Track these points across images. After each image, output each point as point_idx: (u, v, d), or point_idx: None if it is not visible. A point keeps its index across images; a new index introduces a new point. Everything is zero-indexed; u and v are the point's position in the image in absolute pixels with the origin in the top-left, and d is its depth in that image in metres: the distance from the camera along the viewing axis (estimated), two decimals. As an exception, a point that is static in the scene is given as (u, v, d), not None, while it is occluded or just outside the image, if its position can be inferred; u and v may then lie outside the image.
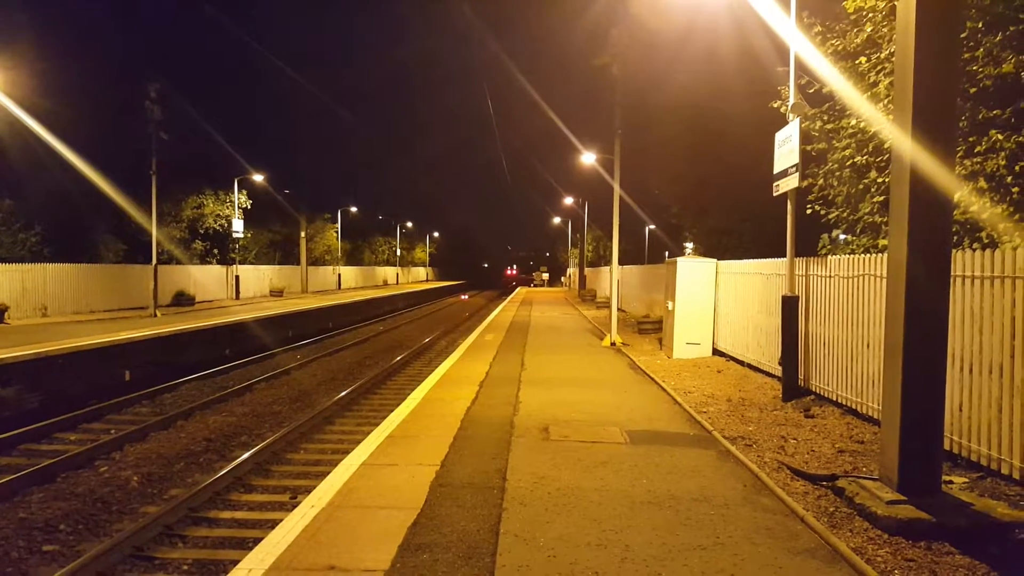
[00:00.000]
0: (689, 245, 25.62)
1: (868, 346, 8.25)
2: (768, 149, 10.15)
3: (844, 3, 9.36)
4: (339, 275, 56.55)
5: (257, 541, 5.00)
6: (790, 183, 9.48)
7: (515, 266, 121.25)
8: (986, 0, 7.56)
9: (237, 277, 36.30)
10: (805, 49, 9.69)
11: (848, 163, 9.73)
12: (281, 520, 5.32)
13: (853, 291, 8.66)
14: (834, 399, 9.15)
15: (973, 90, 7.74)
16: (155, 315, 23.00)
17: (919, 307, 5.44)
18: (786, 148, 9.57)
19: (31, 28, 24.34)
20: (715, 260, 14.80)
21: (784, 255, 10.10)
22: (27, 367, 12.69)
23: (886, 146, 8.75)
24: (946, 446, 6.36)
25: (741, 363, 13.01)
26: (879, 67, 9.02)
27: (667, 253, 32.13)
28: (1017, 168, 7.23)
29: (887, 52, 8.79)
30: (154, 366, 15.88)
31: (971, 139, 7.78)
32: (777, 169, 9.89)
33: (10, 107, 20.86)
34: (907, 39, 5.44)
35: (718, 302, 14.42)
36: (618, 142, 17.28)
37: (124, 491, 8.32)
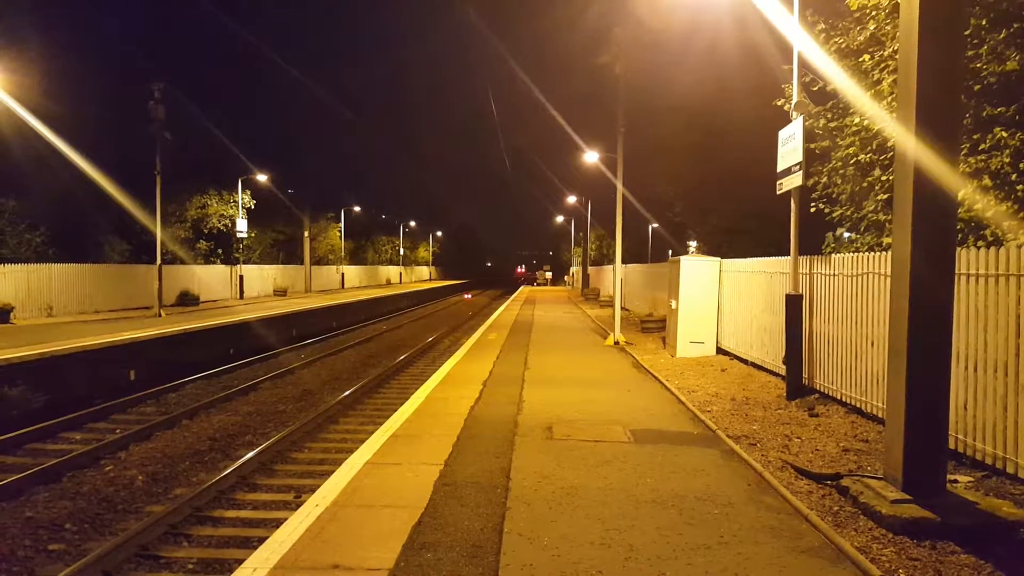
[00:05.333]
0: (692, 243, 25.59)
1: (873, 344, 8.24)
2: (772, 147, 10.14)
3: (847, 0, 9.33)
4: (342, 274, 56.63)
5: (262, 540, 5.01)
6: (794, 181, 9.46)
7: (523, 266, 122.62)
8: (990, -3, 7.55)
9: (241, 277, 36.36)
10: (808, 47, 9.67)
11: (852, 161, 9.72)
12: (286, 519, 5.34)
13: (857, 289, 8.65)
14: (839, 398, 9.14)
15: (977, 87, 7.73)
16: (160, 315, 23.05)
17: (923, 305, 5.43)
18: (789, 146, 9.55)
19: (35, 30, 24.42)
20: (719, 259, 14.78)
21: (788, 253, 10.08)
22: (33, 367, 12.73)
23: (890, 144, 8.73)
24: (951, 445, 6.36)
25: (745, 362, 13.00)
26: (882, 65, 9.01)
27: (670, 252, 32.08)
28: (1021, 166, 7.21)
29: (890, 50, 8.77)
30: (159, 366, 15.91)
31: (975, 137, 7.77)
32: (780, 167, 9.87)
33: (15, 108, 20.92)
34: (910, 36, 5.42)
35: (722, 301, 14.41)
36: (621, 141, 17.26)
37: (129, 490, 8.34)
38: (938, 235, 5.46)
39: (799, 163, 9.24)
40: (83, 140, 24.14)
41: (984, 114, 7.70)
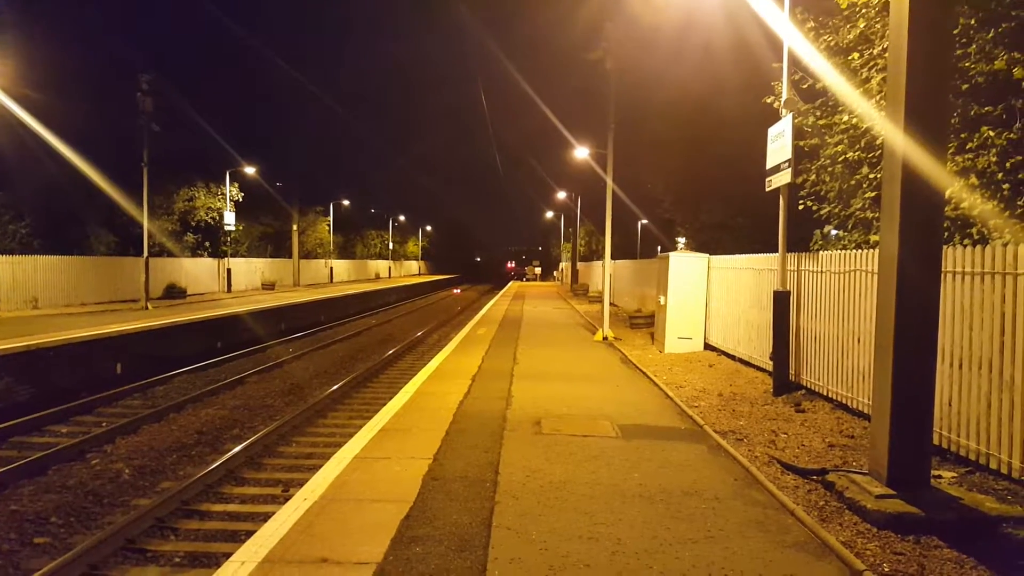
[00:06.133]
0: (681, 240, 25.65)
1: (859, 341, 8.30)
2: (761, 144, 10.17)
3: (837, -2, 9.37)
4: (331, 268, 56.41)
5: (250, 534, 5.00)
6: (782, 178, 9.50)
7: (513, 261, 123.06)
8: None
9: (229, 270, 36.14)
10: (798, 45, 9.71)
11: (840, 159, 9.77)
12: (274, 513, 5.33)
13: (844, 286, 8.71)
14: (825, 394, 9.21)
15: (965, 87, 7.78)
16: (146, 308, 22.88)
17: (910, 303, 5.47)
18: (779, 144, 9.59)
19: (21, 18, 24.08)
20: (707, 255, 14.84)
21: (776, 250, 10.13)
22: (18, 359, 12.61)
23: (878, 142, 8.79)
24: (936, 441, 6.42)
25: (733, 358, 13.06)
26: (872, 63, 9.05)
27: (659, 248, 32.17)
28: (1008, 165, 7.27)
29: (880, 48, 8.82)
30: (146, 359, 15.81)
31: (963, 136, 7.82)
32: (770, 164, 9.91)
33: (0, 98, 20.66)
34: (900, 35, 5.45)
35: (710, 297, 14.47)
36: (611, 137, 17.28)
37: (115, 484, 8.30)
38: (925, 233, 5.50)
39: (788, 160, 9.28)
40: (70, 131, 23.87)
41: (972, 113, 7.75)
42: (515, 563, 4.36)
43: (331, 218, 58.43)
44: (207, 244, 35.68)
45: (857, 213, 9.73)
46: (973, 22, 7.66)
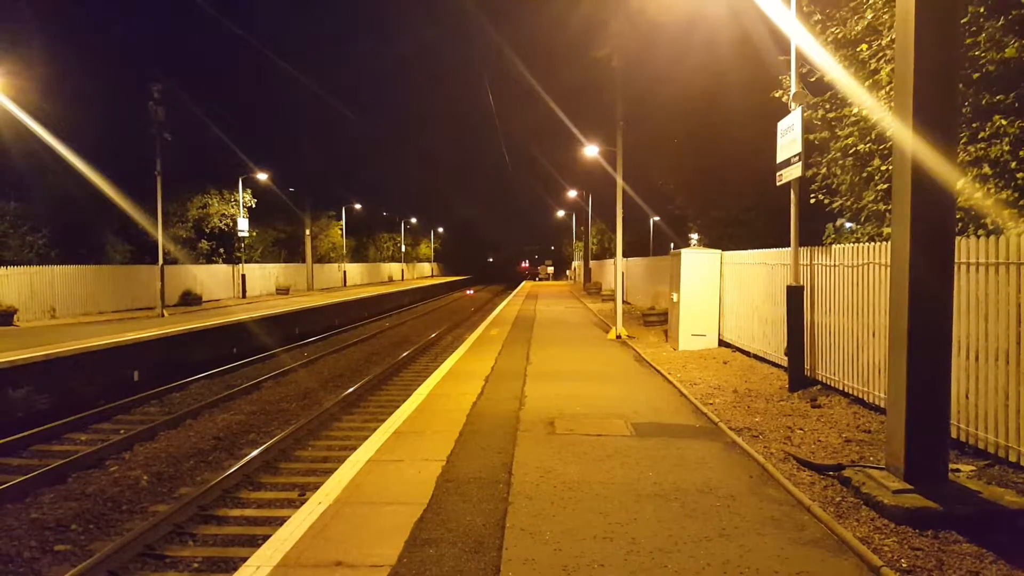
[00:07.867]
0: (694, 236, 25.55)
1: (874, 335, 8.23)
2: (771, 139, 10.12)
3: (844, -10, 9.29)
4: (344, 272, 56.68)
5: (266, 538, 5.03)
6: (793, 172, 9.44)
7: (527, 261, 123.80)
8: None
9: (243, 276, 36.42)
10: (805, 38, 9.63)
11: (851, 151, 9.69)
12: (289, 517, 5.36)
13: (858, 280, 8.64)
14: (841, 388, 9.14)
15: (976, 76, 7.68)
16: (162, 315, 23.11)
17: (923, 296, 5.42)
18: (788, 137, 9.53)
19: (35, 32, 24.32)
20: (720, 251, 14.77)
21: (788, 245, 10.07)
22: (37, 368, 12.77)
23: (888, 134, 8.70)
24: (953, 434, 6.35)
25: (747, 354, 12.99)
26: (880, 54, 8.97)
27: (672, 245, 32.04)
28: (1021, 153, 7.18)
29: (888, 39, 8.73)
30: (162, 366, 15.96)
31: (974, 125, 7.73)
32: (780, 159, 9.85)
33: (14, 111, 20.93)
34: (907, 25, 5.40)
35: (723, 293, 14.40)
36: (620, 135, 17.26)
37: (134, 490, 8.38)
38: (937, 225, 5.45)
39: (798, 154, 9.22)
40: (84, 141, 24.12)
41: (983, 102, 7.66)
42: (529, 564, 4.36)
43: (343, 222, 58.73)
44: (221, 250, 35.96)
45: (869, 206, 9.65)
46: (982, 10, 7.57)
